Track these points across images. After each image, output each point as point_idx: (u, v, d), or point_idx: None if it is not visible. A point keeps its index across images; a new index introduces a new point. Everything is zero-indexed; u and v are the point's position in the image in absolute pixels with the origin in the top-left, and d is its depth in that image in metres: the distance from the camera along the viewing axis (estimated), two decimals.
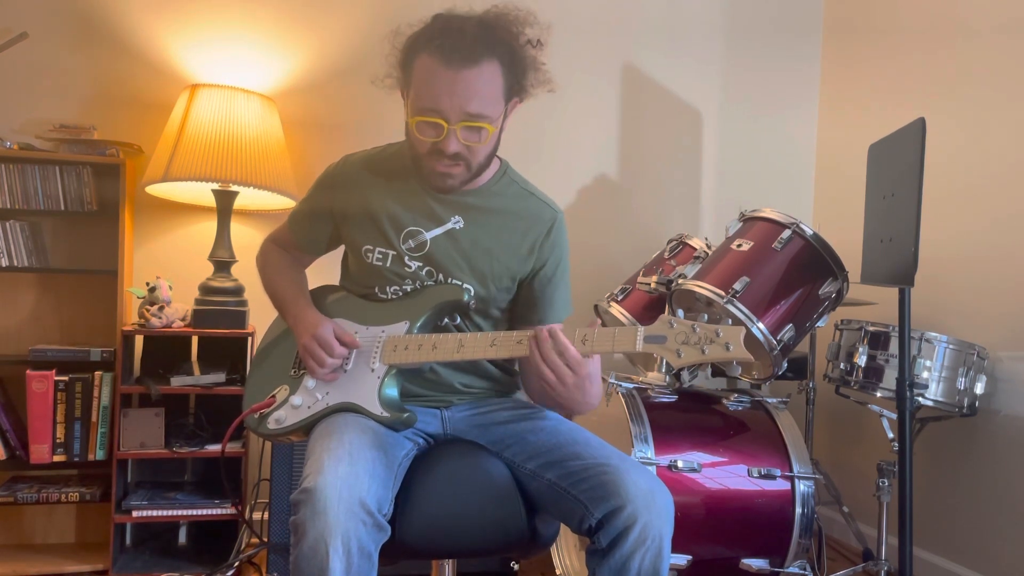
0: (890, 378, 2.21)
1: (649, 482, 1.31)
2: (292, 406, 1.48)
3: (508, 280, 1.55)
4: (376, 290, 1.55)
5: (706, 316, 1.28)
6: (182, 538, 2.60)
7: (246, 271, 2.44)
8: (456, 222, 1.52)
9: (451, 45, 1.34)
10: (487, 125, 1.39)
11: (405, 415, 1.43)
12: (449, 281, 1.52)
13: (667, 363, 1.42)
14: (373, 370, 1.46)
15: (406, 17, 1.45)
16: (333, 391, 1.47)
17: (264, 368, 1.62)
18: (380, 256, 1.52)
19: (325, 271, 1.75)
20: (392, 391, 1.45)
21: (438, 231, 1.52)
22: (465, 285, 1.52)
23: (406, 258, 1.51)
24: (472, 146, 1.40)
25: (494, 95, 1.39)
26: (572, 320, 1.65)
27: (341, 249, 1.67)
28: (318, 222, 1.62)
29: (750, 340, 2.05)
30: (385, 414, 1.42)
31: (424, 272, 1.52)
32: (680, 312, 1.30)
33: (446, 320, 1.55)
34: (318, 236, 1.65)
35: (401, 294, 1.53)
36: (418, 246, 1.51)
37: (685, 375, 2.21)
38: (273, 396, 1.52)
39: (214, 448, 2.39)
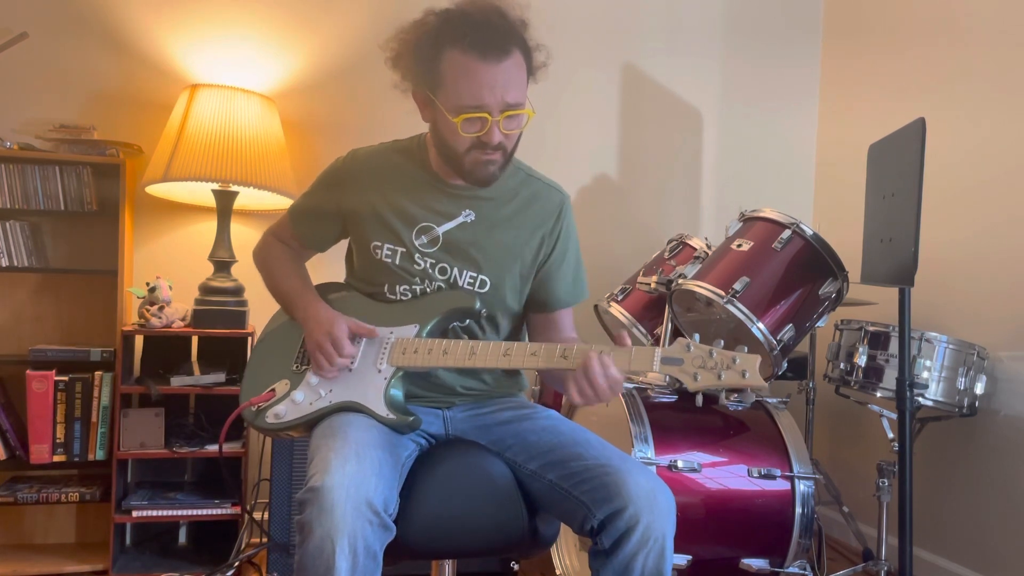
0: (890, 378, 2.22)
1: (651, 482, 1.31)
2: (293, 401, 1.46)
3: (521, 269, 1.54)
4: (385, 289, 1.53)
5: (722, 342, 1.28)
6: (182, 538, 2.60)
7: (246, 271, 2.44)
8: (467, 215, 1.52)
9: (484, 40, 1.35)
10: (525, 111, 1.41)
11: (411, 419, 1.42)
12: (462, 274, 1.51)
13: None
14: (380, 371, 1.45)
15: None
16: (337, 389, 1.46)
17: (263, 361, 1.59)
18: (389, 252, 1.51)
19: (327, 268, 1.75)
20: (398, 393, 1.44)
21: (450, 225, 1.51)
22: (480, 284, 1.51)
23: (416, 255, 1.51)
24: (510, 133, 1.42)
25: (524, 80, 1.42)
26: (573, 321, 1.65)
27: (342, 245, 1.66)
28: (324, 217, 1.61)
29: (750, 340, 2.05)
30: (390, 416, 1.41)
31: (435, 269, 1.51)
32: (696, 337, 1.31)
33: (454, 323, 1.54)
34: (323, 232, 1.63)
35: (410, 295, 1.52)
36: (431, 241, 1.51)
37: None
38: (272, 390, 1.50)
39: (214, 448, 2.39)
